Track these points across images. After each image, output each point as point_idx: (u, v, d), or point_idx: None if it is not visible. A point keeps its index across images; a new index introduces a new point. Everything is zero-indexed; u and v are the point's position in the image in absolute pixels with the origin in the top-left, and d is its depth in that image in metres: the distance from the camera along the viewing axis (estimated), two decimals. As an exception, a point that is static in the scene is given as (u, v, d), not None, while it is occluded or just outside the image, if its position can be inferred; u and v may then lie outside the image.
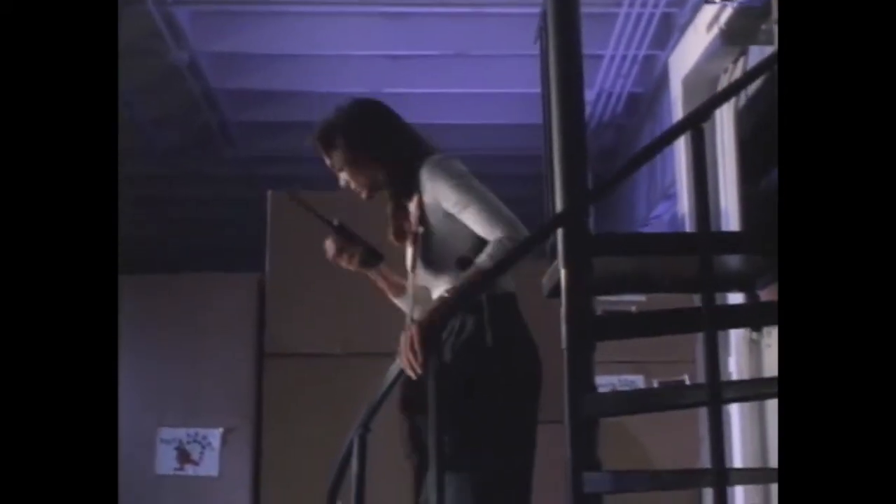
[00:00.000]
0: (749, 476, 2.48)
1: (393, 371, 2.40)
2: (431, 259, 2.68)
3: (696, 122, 2.22)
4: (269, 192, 4.29)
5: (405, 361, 2.34)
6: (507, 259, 2.40)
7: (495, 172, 7.83)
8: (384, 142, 2.76)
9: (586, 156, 2.65)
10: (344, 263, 2.79)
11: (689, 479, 2.29)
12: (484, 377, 2.50)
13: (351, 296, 4.07)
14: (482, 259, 2.48)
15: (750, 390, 2.40)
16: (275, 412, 4.05)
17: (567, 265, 2.57)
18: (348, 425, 3.89)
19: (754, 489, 3.72)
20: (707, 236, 2.29)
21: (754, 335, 3.60)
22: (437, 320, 2.39)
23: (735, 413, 3.86)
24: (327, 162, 2.80)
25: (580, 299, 2.60)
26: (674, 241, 2.79)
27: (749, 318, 2.80)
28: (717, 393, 2.19)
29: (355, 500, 2.52)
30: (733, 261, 2.78)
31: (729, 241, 2.81)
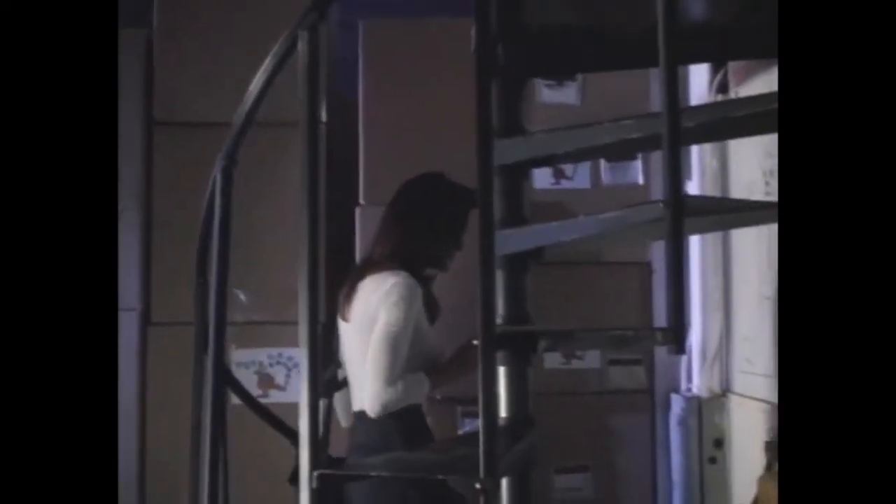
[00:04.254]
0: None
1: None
2: None
3: None
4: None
5: None
6: None
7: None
8: None
9: None
10: None
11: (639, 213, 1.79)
12: None
13: (256, 56, 3.50)
14: None
15: (714, 114, 1.88)
16: (166, 188, 3.51)
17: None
18: (252, 202, 3.44)
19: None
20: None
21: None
22: None
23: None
24: None
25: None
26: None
27: (720, 49, 2.26)
28: (675, 120, 1.68)
29: (218, 239, 2.02)
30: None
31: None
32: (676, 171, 1.68)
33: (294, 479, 2.95)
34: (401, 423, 2.76)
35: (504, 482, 2.05)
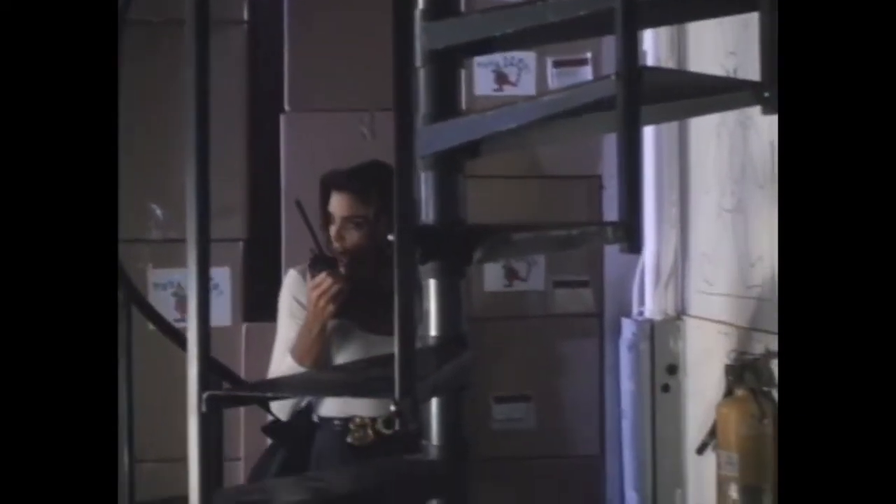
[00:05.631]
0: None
1: None
2: None
3: None
4: None
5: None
6: None
7: None
8: None
9: None
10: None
11: (587, 91, 1.52)
12: None
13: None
14: None
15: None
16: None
17: None
18: (170, 110, 3.15)
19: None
20: None
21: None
22: None
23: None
24: (343, 199, 2.64)
25: None
26: None
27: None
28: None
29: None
30: None
31: None
32: (631, 39, 1.42)
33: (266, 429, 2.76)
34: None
35: (434, 409, 1.81)
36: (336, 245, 2.64)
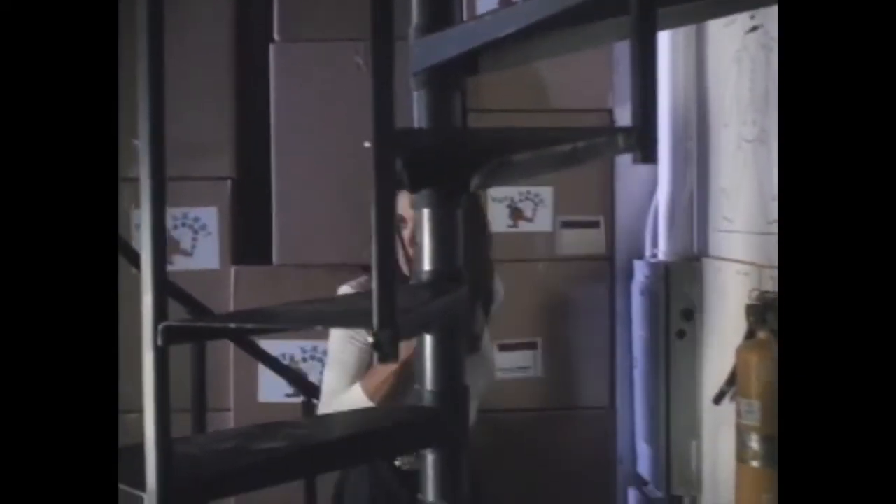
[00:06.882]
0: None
1: None
2: None
3: None
4: None
5: None
6: None
7: None
8: None
9: None
10: None
11: None
12: None
13: None
14: None
15: None
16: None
17: None
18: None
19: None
20: None
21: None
22: None
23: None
24: None
25: None
26: None
27: None
28: None
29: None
30: None
31: None
32: None
33: None
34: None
35: (428, 352, 1.64)
36: (411, 251, 2.32)
